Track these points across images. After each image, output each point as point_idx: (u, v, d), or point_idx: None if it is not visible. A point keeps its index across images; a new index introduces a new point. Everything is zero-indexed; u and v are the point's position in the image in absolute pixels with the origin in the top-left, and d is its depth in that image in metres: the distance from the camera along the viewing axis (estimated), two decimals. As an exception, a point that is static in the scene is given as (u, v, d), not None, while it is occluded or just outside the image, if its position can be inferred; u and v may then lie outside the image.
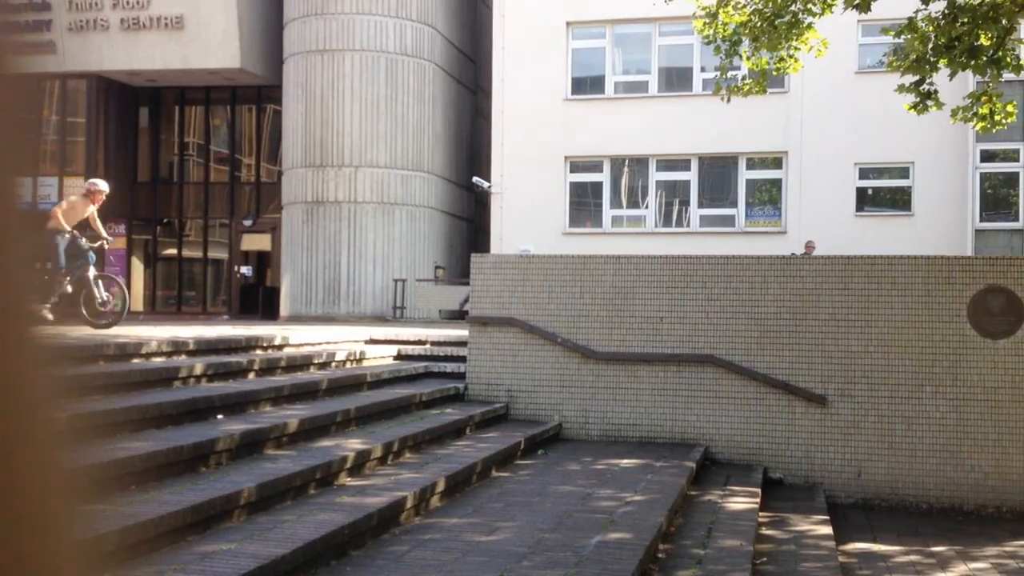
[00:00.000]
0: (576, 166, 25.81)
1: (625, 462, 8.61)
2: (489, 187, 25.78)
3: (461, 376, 10.79)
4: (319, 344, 10.97)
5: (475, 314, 10.67)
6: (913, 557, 7.47)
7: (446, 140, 27.54)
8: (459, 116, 28.53)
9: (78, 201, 11.63)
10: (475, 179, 26.65)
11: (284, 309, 25.83)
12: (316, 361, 9.75)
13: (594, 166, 25.80)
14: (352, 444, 6.91)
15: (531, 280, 10.53)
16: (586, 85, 26.07)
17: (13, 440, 0.64)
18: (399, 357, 11.43)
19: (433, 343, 11.85)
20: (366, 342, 11.88)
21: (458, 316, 20.63)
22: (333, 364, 10.03)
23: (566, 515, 6.21)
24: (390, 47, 25.59)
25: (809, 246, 21.56)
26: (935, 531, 8.45)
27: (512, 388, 10.46)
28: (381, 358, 11.19)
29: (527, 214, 25.26)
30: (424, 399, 9.34)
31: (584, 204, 25.97)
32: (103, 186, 11.82)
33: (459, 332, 12.29)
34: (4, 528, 0.63)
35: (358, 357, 10.62)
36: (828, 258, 10.28)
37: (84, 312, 11.37)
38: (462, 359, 11.05)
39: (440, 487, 6.47)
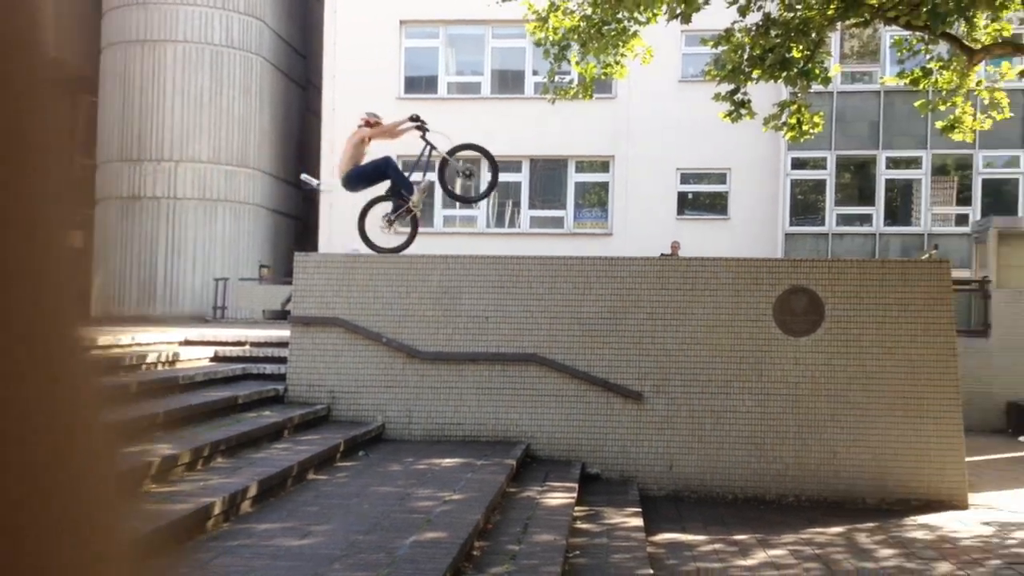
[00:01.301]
0: (408, 165, 25.70)
1: (447, 461, 8.64)
2: (318, 185, 25.37)
3: (282, 378, 10.57)
4: (129, 346, 10.52)
5: (297, 314, 10.48)
6: (717, 546, 7.81)
7: (274, 136, 26.95)
8: (288, 112, 27.97)
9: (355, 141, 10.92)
10: (303, 176, 26.17)
11: (93, 308, 24.65)
12: (124, 364, 9.35)
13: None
14: (159, 450, 6.65)
15: (357, 280, 10.43)
16: (419, 84, 26.04)
17: (62, 441, 0.65)
18: (216, 359, 11.08)
19: (253, 344, 11.55)
20: (180, 343, 11.46)
21: (281, 316, 20.20)
22: (143, 367, 9.64)
23: (383, 516, 6.18)
24: (215, 39, 24.84)
25: (675, 246, 22.12)
26: (739, 520, 8.86)
27: (335, 389, 10.32)
28: (196, 360, 10.83)
29: (356, 213, 24.98)
30: (241, 402, 9.10)
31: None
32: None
33: (281, 333, 12.04)
34: (55, 529, 0.64)
35: (171, 359, 10.24)
36: (646, 259, 10.61)
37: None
38: (283, 360, 10.83)
39: (252, 492, 6.32)
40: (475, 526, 6.00)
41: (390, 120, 11.28)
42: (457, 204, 25.84)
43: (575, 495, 8.12)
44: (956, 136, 12.60)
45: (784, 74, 11.43)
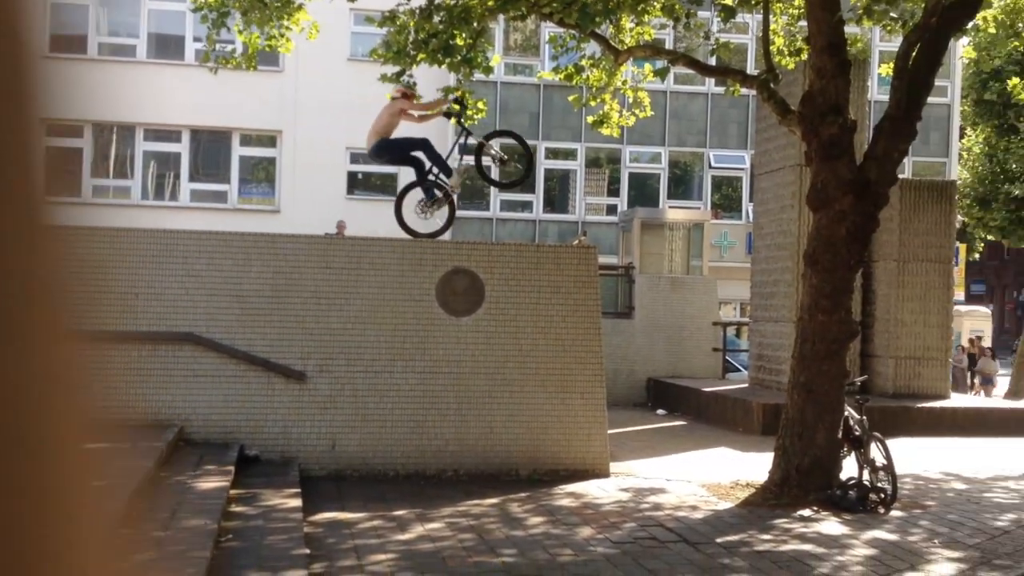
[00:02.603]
0: (54, 129, 23.61)
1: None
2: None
3: None
4: None
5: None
6: (377, 522, 7.87)
7: None
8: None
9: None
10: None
11: None
12: None
13: (73, 130, 23.83)
14: None
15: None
16: (66, 43, 23.98)
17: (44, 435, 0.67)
18: None
19: None
20: None
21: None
22: None
23: (10, 510, 5.61)
24: None
25: (341, 225, 21.72)
26: (399, 496, 8.99)
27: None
28: None
29: (-7, 179, 22.65)
30: None
31: (64, 171, 23.92)
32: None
33: None
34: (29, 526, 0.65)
35: None
36: (311, 237, 10.45)
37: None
38: None
39: None
40: (115, 515, 5.61)
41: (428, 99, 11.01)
42: (110, 173, 24.16)
43: (231, 478, 7.85)
44: (605, 131, 13.49)
45: (448, 60, 11.67)
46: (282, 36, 12.48)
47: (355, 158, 25.44)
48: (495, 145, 11.22)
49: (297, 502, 7.69)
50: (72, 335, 0.71)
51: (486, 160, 11.26)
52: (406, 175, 25.73)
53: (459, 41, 11.77)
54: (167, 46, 24.58)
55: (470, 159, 11.31)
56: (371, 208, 25.21)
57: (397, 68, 12.06)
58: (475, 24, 11.65)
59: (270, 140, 25.03)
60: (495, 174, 12.01)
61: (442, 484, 9.78)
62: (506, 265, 10.60)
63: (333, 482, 9.57)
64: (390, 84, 12.25)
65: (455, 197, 11.11)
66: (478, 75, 12.80)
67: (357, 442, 10.00)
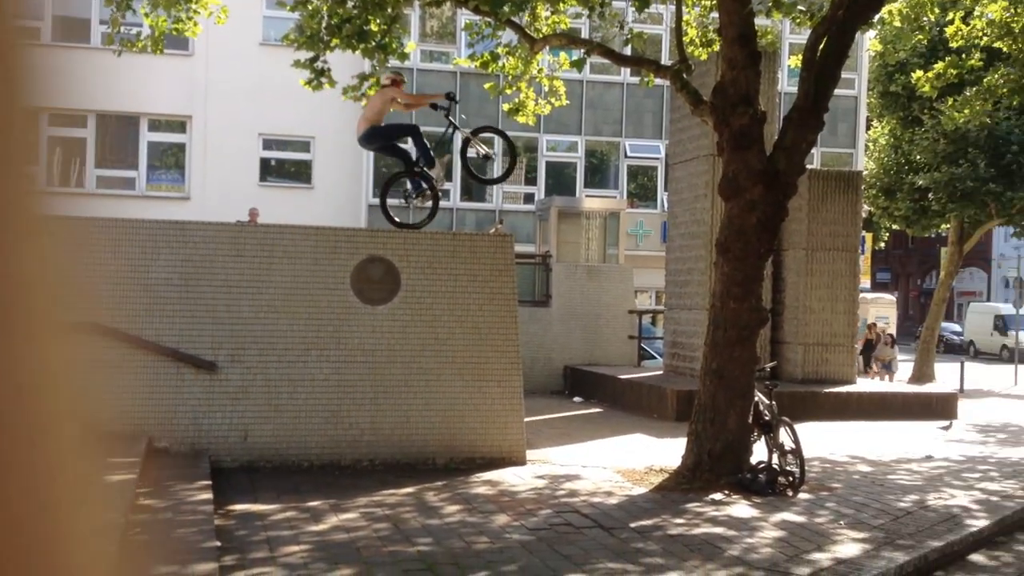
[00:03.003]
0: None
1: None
2: None
3: None
4: None
5: None
6: (290, 513, 7.77)
7: None
8: None
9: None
10: None
11: None
12: None
13: None
14: None
15: None
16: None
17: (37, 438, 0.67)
18: None
19: None
20: None
21: None
22: None
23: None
24: None
25: (253, 213, 21.27)
26: (314, 487, 8.89)
27: None
28: None
29: None
30: None
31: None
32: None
33: None
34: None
35: None
36: (221, 225, 10.25)
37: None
38: None
39: None
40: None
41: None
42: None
43: (138, 471, 7.66)
44: (521, 119, 13.51)
45: (363, 46, 11.54)
46: (190, 20, 12.20)
47: (268, 144, 25.03)
48: (480, 142, 11.31)
49: (208, 494, 7.54)
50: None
51: (471, 153, 11.32)
52: (336, 167, 25.41)
53: (373, 27, 11.66)
54: (72, 28, 23.82)
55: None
56: (284, 195, 24.84)
57: (311, 53, 11.89)
58: (389, 10, 11.55)
59: (180, 125, 24.46)
60: (479, 168, 12.05)
61: (358, 474, 9.70)
62: (422, 253, 10.54)
63: (245, 474, 9.41)
64: (303, 70, 12.07)
65: (439, 189, 11.17)
66: (393, 61, 12.69)
67: (270, 433, 9.85)
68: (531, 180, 30.67)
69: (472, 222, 28.82)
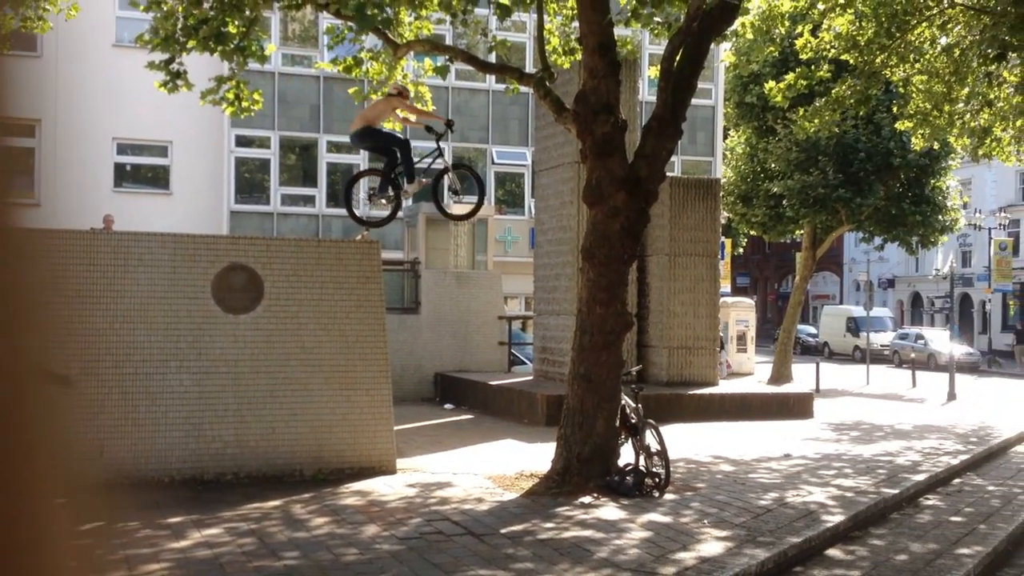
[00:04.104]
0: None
1: None
2: None
3: None
4: None
5: None
6: (149, 531, 7.47)
7: None
8: None
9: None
10: None
11: None
12: None
13: None
14: None
15: None
16: None
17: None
18: None
19: None
20: None
21: None
22: None
23: None
24: None
25: (108, 220, 20.35)
26: (175, 503, 8.57)
27: None
28: None
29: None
30: None
31: None
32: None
33: None
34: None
35: None
36: (73, 232, 9.80)
37: None
38: None
39: None
40: None
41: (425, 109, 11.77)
42: None
43: (-17, 494, 7.22)
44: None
45: (220, 48, 11.23)
46: (39, 18, 11.64)
47: (122, 149, 24.13)
48: (454, 174, 11.77)
49: (59, 516, 7.17)
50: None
51: (445, 183, 11.83)
52: (196, 172, 24.62)
53: (232, 29, 11.35)
54: (-94, 24, 22.48)
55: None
56: (141, 201, 23.99)
57: (166, 55, 11.50)
58: (248, 12, 11.27)
59: (28, 129, 23.33)
60: (446, 199, 12.46)
61: (221, 488, 9.40)
62: (286, 261, 10.31)
63: (102, 491, 9.00)
64: (159, 72, 11.67)
65: (403, 200, 11.46)
66: (253, 64, 12.39)
67: (128, 448, 9.45)
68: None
69: (338, 229, 28.45)
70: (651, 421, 10.17)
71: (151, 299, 9.71)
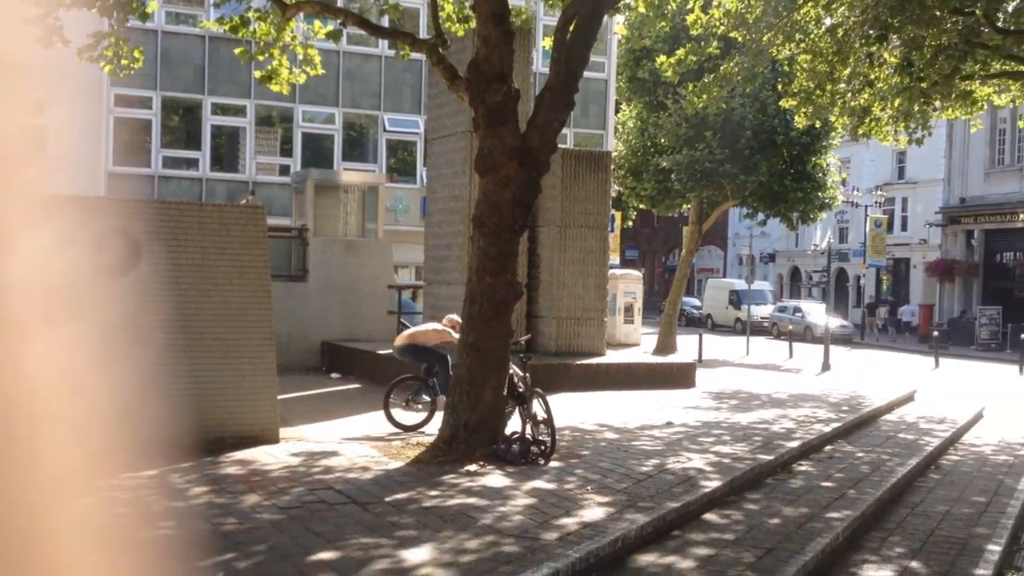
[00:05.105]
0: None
1: None
2: None
3: None
4: None
5: None
6: (17, 505, 7.19)
7: None
8: None
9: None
10: None
11: None
12: None
13: None
14: None
15: None
16: None
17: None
18: None
19: None
20: None
21: None
22: None
23: None
24: None
25: None
26: (46, 475, 8.26)
27: None
28: None
29: None
30: None
31: None
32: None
33: None
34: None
35: None
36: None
37: None
38: None
39: None
40: None
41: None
42: None
43: None
44: (274, 87, 13.06)
45: (99, 3, 10.78)
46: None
47: (-5, 106, 23.03)
48: None
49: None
50: None
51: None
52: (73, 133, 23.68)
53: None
54: None
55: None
56: (15, 162, 23.00)
57: (40, 9, 10.97)
58: (130, -35, 10.84)
59: None
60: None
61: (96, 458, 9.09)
62: (167, 225, 9.99)
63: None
64: (31, 27, 11.11)
65: (436, 411, 11.52)
66: (134, 21, 11.92)
67: (-5, 418, 9.06)
68: (287, 151, 29.93)
69: (223, 193, 27.78)
70: (538, 390, 10.25)
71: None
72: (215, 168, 28.62)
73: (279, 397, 10.60)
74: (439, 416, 10.52)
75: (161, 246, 9.89)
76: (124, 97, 25.87)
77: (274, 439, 10.21)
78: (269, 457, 9.45)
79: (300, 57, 13.12)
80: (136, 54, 12.11)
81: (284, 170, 29.24)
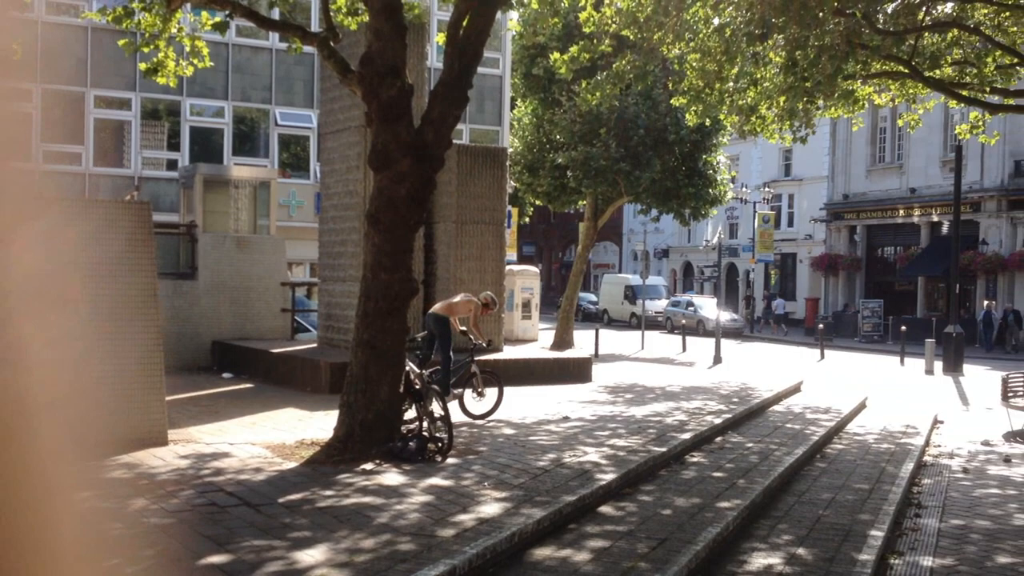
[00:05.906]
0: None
1: None
2: None
3: None
4: None
5: None
6: None
7: None
8: None
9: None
10: None
11: None
12: None
13: None
14: None
15: None
16: None
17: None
18: None
19: None
20: None
21: None
22: None
23: None
24: None
25: None
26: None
27: None
28: None
29: None
30: None
31: None
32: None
33: None
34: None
35: None
36: None
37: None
38: None
39: None
40: None
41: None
42: None
43: None
44: (160, 80, 12.66)
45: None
46: None
47: None
48: (480, 376, 12.69)
49: None
50: None
51: (472, 383, 12.68)
52: None
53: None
54: None
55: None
56: None
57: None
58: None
59: None
60: (468, 400, 12.62)
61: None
62: (48, 220, 9.59)
63: None
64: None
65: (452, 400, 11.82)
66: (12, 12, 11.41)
67: None
68: (174, 146, 29.14)
69: (108, 188, 26.89)
70: (435, 387, 10.20)
71: None
72: (99, 163, 27.68)
73: (168, 398, 10.32)
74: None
75: (41, 244, 9.49)
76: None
77: (162, 441, 9.93)
78: (157, 460, 9.19)
79: (187, 49, 12.75)
80: (14, 46, 11.59)
81: (172, 165, 28.47)
